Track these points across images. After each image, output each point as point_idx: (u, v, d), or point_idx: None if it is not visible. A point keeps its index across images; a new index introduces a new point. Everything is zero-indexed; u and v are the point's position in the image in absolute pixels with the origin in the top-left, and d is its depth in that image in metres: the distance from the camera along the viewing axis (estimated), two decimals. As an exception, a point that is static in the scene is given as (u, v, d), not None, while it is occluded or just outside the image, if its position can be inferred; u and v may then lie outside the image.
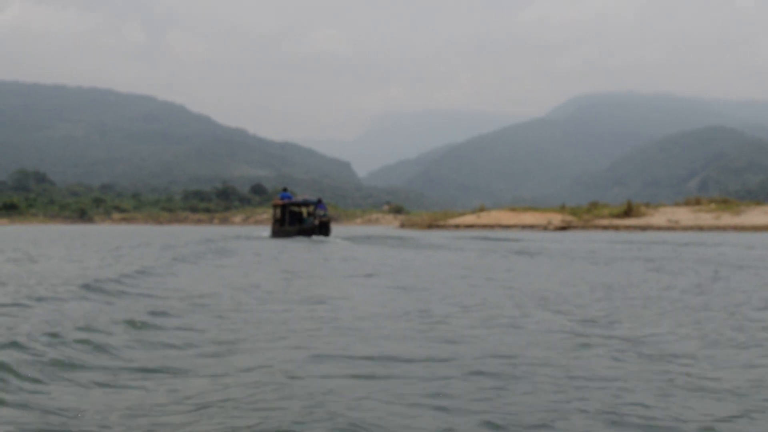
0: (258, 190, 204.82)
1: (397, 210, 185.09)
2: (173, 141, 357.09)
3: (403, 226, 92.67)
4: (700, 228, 64.73)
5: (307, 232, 44.73)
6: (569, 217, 74.03)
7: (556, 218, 73.65)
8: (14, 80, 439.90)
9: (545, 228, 69.82)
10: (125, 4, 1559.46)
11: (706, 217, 68.19)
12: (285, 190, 50.98)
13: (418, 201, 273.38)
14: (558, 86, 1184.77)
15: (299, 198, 50.13)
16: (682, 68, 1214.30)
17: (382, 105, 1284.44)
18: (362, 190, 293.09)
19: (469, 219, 78.49)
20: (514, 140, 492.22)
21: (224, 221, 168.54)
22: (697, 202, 75.72)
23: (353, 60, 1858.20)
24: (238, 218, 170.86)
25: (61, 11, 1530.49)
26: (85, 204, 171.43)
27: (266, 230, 58.64)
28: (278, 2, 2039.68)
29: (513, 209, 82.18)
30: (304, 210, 48.30)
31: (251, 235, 53.26)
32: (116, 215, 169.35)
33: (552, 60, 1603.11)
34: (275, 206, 50.33)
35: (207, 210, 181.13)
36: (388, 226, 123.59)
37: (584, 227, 69.76)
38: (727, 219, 67.10)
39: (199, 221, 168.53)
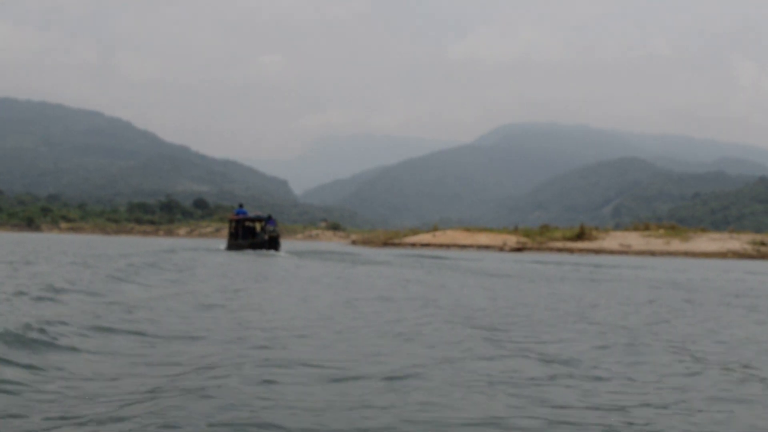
0: (200, 204, 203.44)
1: (334, 227, 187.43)
2: (119, 155, 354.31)
3: (354, 243, 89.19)
4: (652, 253, 62.72)
5: (258, 245, 45.47)
6: (523, 239, 71.34)
7: (511, 239, 70.79)
8: None
9: (501, 249, 66.92)
10: (79, 24, 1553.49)
11: (656, 243, 66.20)
12: (241, 206, 52.46)
13: (352, 219, 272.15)
14: (485, 115, 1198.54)
15: (252, 214, 51.17)
16: (601, 103, 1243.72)
17: (321, 128, 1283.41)
18: (298, 207, 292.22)
19: (425, 238, 75.18)
20: (443, 165, 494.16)
21: (169, 233, 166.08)
22: (646, 228, 73.71)
23: (295, 84, 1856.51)
24: (182, 231, 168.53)
25: (18, 27, 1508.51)
26: (32, 212, 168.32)
27: (221, 242, 62.87)
28: (226, 28, 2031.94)
29: (467, 229, 79.06)
30: (257, 225, 48.85)
31: (210, 248, 53.86)
32: (64, 224, 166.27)
33: (480, 91, 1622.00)
34: (231, 221, 51.05)
35: (152, 222, 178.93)
36: (339, 242, 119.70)
37: (539, 249, 67.13)
38: (676, 245, 65.31)
39: (145, 232, 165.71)
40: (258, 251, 44.37)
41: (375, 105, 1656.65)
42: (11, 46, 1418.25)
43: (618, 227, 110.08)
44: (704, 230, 76.54)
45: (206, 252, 45.19)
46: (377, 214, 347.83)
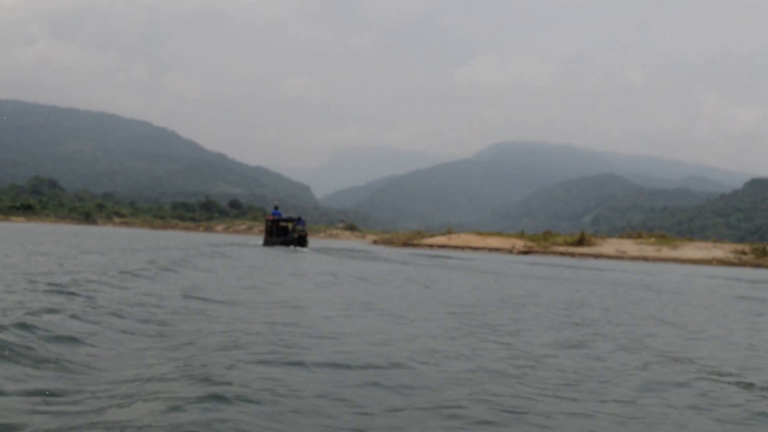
0: (234, 204, 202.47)
1: (351, 227, 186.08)
2: (165, 160, 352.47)
3: (375, 242, 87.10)
4: (645, 258, 60.95)
5: (289, 242, 46.99)
6: (529, 243, 69.29)
7: (519, 243, 68.92)
8: (35, 102, 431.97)
9: (510, 251, 64.89)
10: (133, 47, 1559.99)
11: (648, 249, 64.27)
12: (276, 208, 53.77)
13: (365, 221, 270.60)
14: (483, 134, 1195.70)
15: (285, 216, 52.48)
16: (583, 126, 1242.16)
17: (340, 141, 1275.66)
18: (319, 209, 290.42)
19: (441, 240, 73.15)
20: (445, 176, 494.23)
21: (208, 229, 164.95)
22: (639, 236, 71.94)
23: (319, 103, 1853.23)
24: (219, 227, 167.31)
25: (81, 49, 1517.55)
26: (89, 208, 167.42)
27: (256, 239, 65.19)
28: (261, 53, 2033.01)
29: (479, 233, 77.15)
30: (289, 225, 49.58)
31: (248, 243, 54.55)
32: (116, 219, 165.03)
33: (479, 112, 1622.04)
34: (267, 220, 52.25)
35: (193, 219, 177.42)
36: (360, 241, 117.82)
37: (544, 253, 65.20)
38: (666, 252, 63.45)
39: (187, 228, 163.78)
40: (288, 247, 45.63)
41: (387, 122, 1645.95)
42: (75, 65, 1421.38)
43: (597, 233, 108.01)
44: (690, 239, 74.54)
45: (246, 247, 45.13)
46: (387, 218, 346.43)
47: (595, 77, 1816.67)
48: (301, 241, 46.68)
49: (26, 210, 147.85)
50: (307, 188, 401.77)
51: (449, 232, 79.18)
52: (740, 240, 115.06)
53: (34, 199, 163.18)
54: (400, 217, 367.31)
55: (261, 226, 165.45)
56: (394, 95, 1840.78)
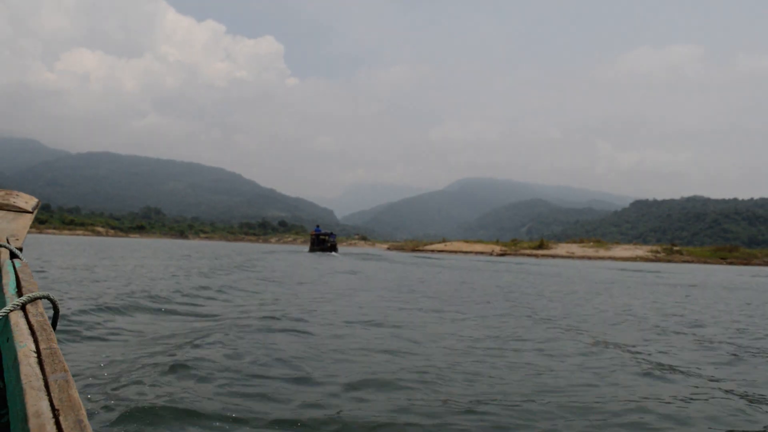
0: (282, 224, 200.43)
1: (364, 238, 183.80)
2: (234, 194, 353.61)
3: (389, 249, 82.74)
4: (589, 257, 56.64)
5: (326, 250, 46.96)
6: (504, 248, 64.74)
7: (497, 248, 64.43)
8: (146, 156, 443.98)
9: (491, 254, 60.45)
10: (212, 117, 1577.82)
11: (589, 251, 59.80)
12: (318, 226, 52.18)
13: (372, 234, 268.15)
14: (450, 173, 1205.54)
15: (323, 231, 51.02)
16: (521, 166, 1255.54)
17: (353, 179, 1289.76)
18: (339, 226, 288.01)
19: (439, 246, 68.99)
20: (425, 202, 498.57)
21: (265, 241, 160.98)
22: (581, 241, 67.21)
23: (338, 153, 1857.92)
24: (273, 239, 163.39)
25: (177, 120, 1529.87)
26: (183, 227, 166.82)
27: (303, 248, 64.95)
28: (298, 120, 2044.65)
29: (467, 241, 72.53)
30: (326, 237, 48.90)
31: (299, 251, 54.43)
32: (202, 234, 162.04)
33: (448, 157, 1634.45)
34: (311, 235, 50.77)
35: (254, 234, 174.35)
36: (376, 248, 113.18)
37: (515, 254, 60.64)
38: (603, 252, 59.21)
39: (250, 240, 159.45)
40: (325, 253, 45.44)
41: (385, 165, 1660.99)
42: (172, 130, 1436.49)
43: (530, 240, 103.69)
44: (618, 243, 70.19)
45: (297, 254, 44.42)
46: (386, 231, 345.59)
47: (528, 132, 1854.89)
48: (333, 248, 47.25)
49: (140, 229, 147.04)
50: (331, 212, 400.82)
51: (444, 240, 74.91)
52: (628, 242, 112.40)
53: (145, 221, 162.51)
54: (395, 231, 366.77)
55: (302, 238, 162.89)
56: (389, 146, 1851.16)
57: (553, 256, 57.99)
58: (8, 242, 2.01)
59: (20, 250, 2.03)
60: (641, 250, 59.54)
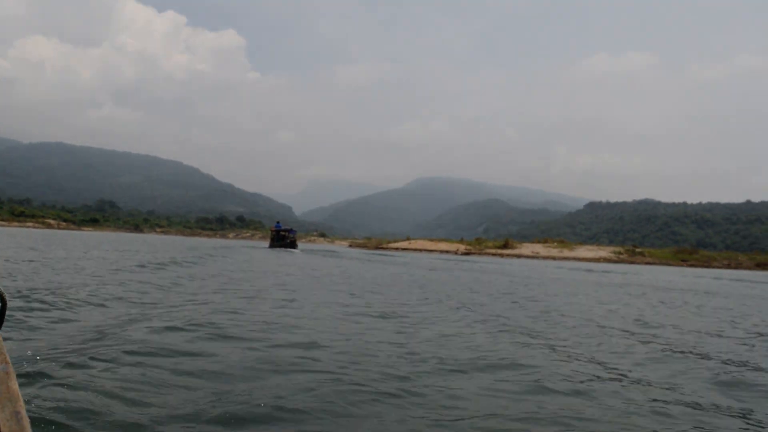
0: (240, 219, 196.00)
1: (323, 235, 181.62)
2: (191, 188, 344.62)
3: (351, 246, 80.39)
4: (553, 258, 55.78)
5: (285, 246, 46.94)
6: (468, 247, 63.32)
7: (461, 247, 63.07)
8: (100, 147, 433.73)
9: (456, 253, 59.01)
10: (171, 110, 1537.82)
11: (554, 251, 59.08)
12: (278, 222, 51.82)
13: (330, 231, 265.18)
14: (409, 171, 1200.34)
15: (283, 227, 50.89)
16: (478, 166, 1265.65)
17: (312, 175, 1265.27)
18: (298, 222, 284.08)
19: (404, 244, 67.25)
20: (384, 200, 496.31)
21: (222, 236, 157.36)
22: (546, 241, 66.44)
23: (298, 149, 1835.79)
24: (230, 235, 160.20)
25: (133, 111, 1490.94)
26: (138, 221, 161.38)
27: (261, 244, 63.63)
28: (258, 114, 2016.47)
29: (431, 239, 70.92)
30: (286, 234, 48.90)
31: (257, 246, 53.55)
32: (158, 229, 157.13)
33: (407, 156, 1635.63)
34: (271, 230, 50.91)
35: (211, 229, 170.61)
36: (339, 245, 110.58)
37: (480, 254, 59.32)
38: (567, 252, 58.64)
39: (207, 235, 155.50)
40: (286, 249, 45.10)
41: (344, 162, 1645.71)
42: (129, 122, 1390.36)
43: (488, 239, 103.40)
44: (581, 244, 69.80)
45: (257, 249, 44.05)
46: (345, 228, 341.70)
47: (486, 133, 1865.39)
48: (293, 245, 47.59)
49: (94, 222, 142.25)
50: (289, 208, 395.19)
51: (408, 239, 73.09)
52: (582, 243, 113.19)
53: (99, 214, 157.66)
54: (354, 228, 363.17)
55: (260, 235, 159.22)
56: (349, 144, 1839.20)
57: (518, 256, 57.04)
58: None
59: None
60: (604, 251, 59.21)
